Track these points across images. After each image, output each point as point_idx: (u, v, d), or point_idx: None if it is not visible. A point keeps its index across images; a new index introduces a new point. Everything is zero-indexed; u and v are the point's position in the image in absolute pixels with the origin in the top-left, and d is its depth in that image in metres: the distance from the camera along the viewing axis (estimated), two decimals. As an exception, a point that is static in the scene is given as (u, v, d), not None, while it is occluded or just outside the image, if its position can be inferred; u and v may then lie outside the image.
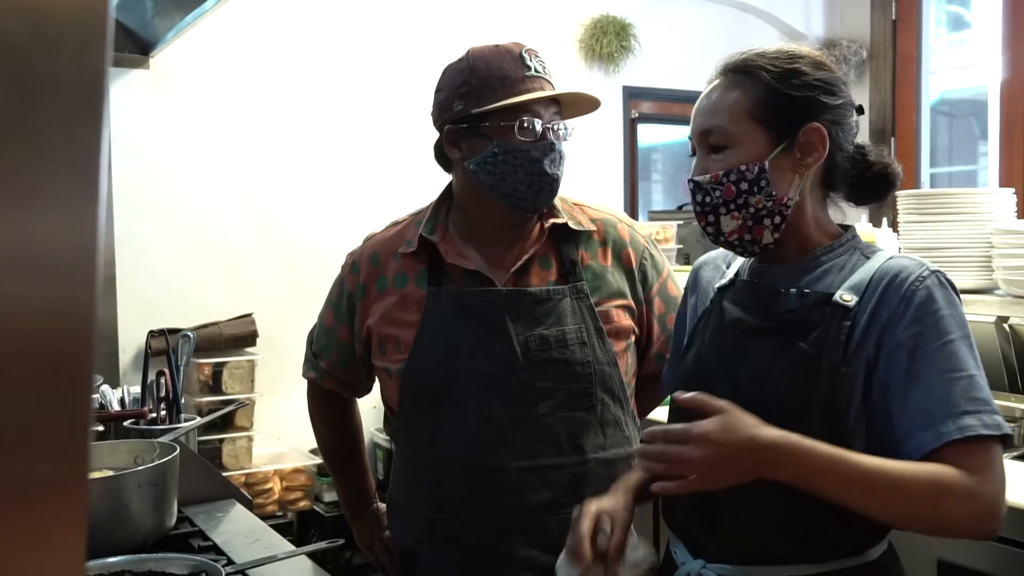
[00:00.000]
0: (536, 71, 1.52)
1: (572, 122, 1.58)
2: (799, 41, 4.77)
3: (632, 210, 4.52)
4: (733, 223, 1.25)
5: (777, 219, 1.24)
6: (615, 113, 4.44)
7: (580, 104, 1.58)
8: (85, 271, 0.42)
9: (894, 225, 2.98)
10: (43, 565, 0.41)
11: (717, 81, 1.30)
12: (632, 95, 4.47)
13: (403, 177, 3.70)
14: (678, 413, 1.35)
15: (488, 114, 1.49)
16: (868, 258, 1.25)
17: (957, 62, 4.74)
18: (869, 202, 1.35)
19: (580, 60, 4.34)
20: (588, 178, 4.35)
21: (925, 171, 4.57)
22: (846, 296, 1.19)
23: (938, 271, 1.19)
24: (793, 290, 1.24)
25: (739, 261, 1.39)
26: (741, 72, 1.26)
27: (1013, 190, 2.77)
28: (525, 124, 1.49)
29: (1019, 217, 2.78)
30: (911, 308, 1.16)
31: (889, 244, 2.93)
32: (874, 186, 1.31)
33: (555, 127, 1.53)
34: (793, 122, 1.23)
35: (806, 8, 4.76)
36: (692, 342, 1.37)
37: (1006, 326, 2.48)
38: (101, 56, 0.42)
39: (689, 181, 1.29)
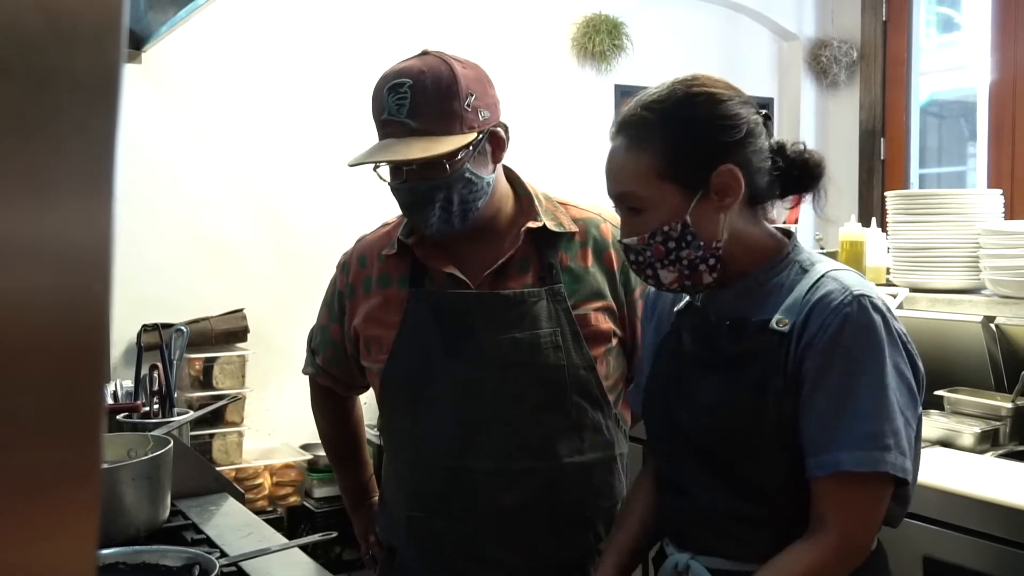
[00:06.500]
0: (390, 113, 1.44)
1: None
2: (790, 41, 4.80)
3: (623, 208, 4.53)
4: (671, 275, 1.25)
5: (712, 262, 1.23)
6: (607, 112, 4.45)
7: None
8: (100, 262, 0.43)
9: (883, 225, 3.00)
10: (57, 551, 0.41)
11: (617, 141, 1.26)
12: (624, 94, 4.48)
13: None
14: (657, 435, 1.37)
15: None
16: (807, 271, 1.24)
17: (947, 63, 4.77)
18: (797, 193, 1.31)
19: (572, 58, 4.35)
20: (581, 177, 4.35)
21: (914, 172, 4.60)
22: (782, 320, 1.19)
23: (863, 295, 1.17)
24: (736, 321, 1.25)
25: None
26: (637, 128, 1.23)
27: (1000, 191, 2.79)
28: (378, 167, 1.50)
29: (1006, 218, 2.81)
30: (825, 337, 1.16)
31: (877, 245, 2.96)
32: (799, 181, 1.28)
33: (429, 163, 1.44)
34: (702, 170, 1.20)
35: (798, 8, 4.78)
36: (655, 367, 1.38)
37: (992, 326, 2.50)
38: (115, 49, 0.43)
39: (619, 242, 1.30)
